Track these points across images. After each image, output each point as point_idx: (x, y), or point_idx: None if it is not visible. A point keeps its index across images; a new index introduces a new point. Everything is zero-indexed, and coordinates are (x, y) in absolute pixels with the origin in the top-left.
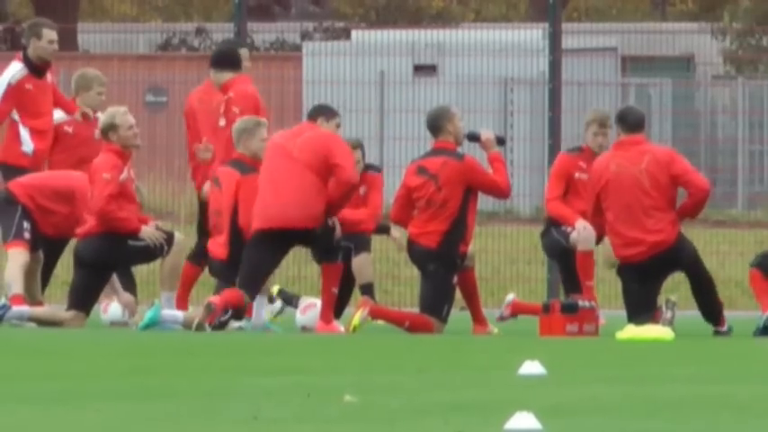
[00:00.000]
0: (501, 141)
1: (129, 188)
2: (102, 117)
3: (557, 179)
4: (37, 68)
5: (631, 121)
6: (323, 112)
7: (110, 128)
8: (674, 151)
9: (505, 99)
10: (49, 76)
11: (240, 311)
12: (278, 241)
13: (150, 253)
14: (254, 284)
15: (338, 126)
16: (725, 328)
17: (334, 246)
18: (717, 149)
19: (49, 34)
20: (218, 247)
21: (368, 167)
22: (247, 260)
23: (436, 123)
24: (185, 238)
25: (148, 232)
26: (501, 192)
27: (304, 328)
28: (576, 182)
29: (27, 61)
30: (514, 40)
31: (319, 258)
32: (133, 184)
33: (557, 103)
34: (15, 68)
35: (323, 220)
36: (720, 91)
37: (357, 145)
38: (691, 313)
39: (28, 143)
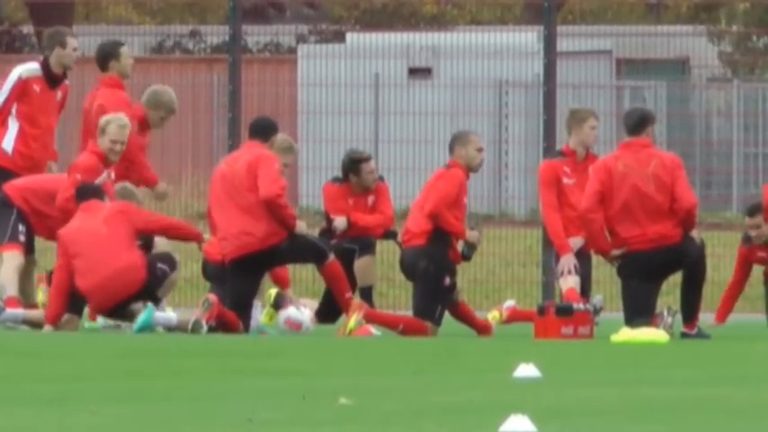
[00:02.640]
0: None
1: (108, 191)
2: (105, 116)
3: (547, 187)
4: (53, 77)
5: (628, 123)
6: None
7: (101, 130)
8: (679, 159)
9: (500, 102)
10: (59, 94)
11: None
12: (252, 266)
13: None
14: (244, 313)
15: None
16: (693, 332)
17: (315, 248)
18: (712, 152)
19: (73, 42)
20: (214, 252)
21: None
22: (230, 290)
23: (451, 144)
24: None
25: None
26: (426, 215)
27: (289, 322)
28: (564, 188)
29: (45, 67)
30: (509, 42)
31: (316, 266)
32: (113, 186)
33: (551, 106)
34: (31, 66)
35: (283, 233)
36: (715, 93)
37: (370, 156)
38: None
39: (10, 141)
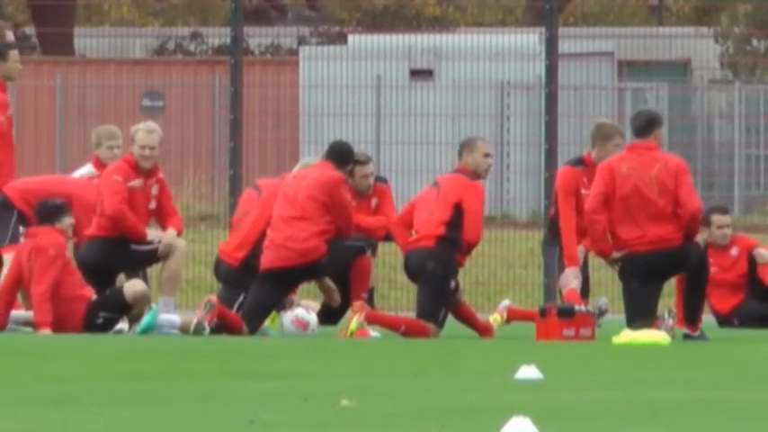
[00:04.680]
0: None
1: (137, 198)
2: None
3: (566, 196)
4: None
5: (635, 125)
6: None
7: (131, 140)
8: (685, 164)
9: (502, 103)
10: None
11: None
12: (288, 279)
13: (152, 257)
14: (258, 321)
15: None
16: (696, 333)
17: (354, 249)
18: (713, 154)
19: None
20: (231, 252)
21: (376, 179)
22: (254, 296)
23: (459, 149)
24: (186, 244)
25: (153, 233)
26: (472, 231)
27: (297, 321)
28: (580, 198)
29: None
30: (511, 44)
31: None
32: (148, 201)
33: (553, 108)
34: None
35: (323, 249)
36: (717, 95)
37: (368, 160)
38: None
39: None
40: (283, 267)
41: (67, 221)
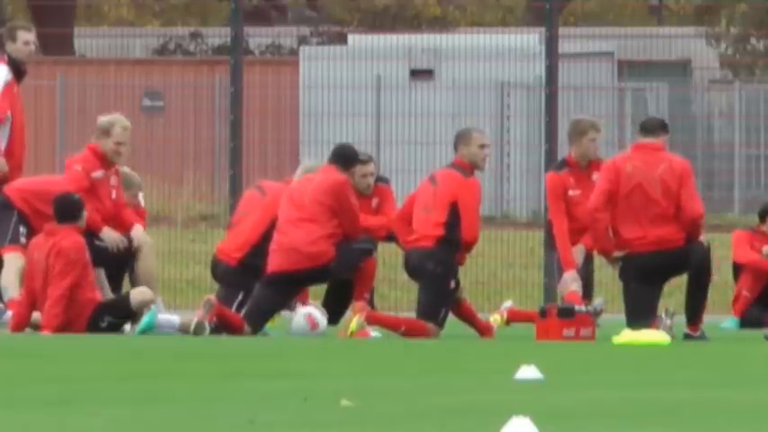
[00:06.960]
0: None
1: (102, 189)
2: (103, 117)
3: (555, 201)
4: (20, 72)
5: (646, 124)
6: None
7: (104, 132)
8: (689, 166)
9: (502, 104)
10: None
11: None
12: (295, 282)
13: (114, 255)
14: (261, 322)
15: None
16: (697, 333)
17: (361, 252)
18: (713, 154)
19: (24, 36)
20: (229, 251)
21: (377, 179)
22: (259, 298)
23: (454, 142)
24: (151, 241)
25: (108, 235)
26: (470, 230)
27: (310, 318)
28: (570, 199)
29: (11, 64)
30: (511, 44)
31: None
32: (112, 191)
33: (553, 108)
34: (3, 70)
35: (331, 253)
36: (717, 95)
37: (369, 159)
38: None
39: None
40: (291, 271)
41: (86, 217)
